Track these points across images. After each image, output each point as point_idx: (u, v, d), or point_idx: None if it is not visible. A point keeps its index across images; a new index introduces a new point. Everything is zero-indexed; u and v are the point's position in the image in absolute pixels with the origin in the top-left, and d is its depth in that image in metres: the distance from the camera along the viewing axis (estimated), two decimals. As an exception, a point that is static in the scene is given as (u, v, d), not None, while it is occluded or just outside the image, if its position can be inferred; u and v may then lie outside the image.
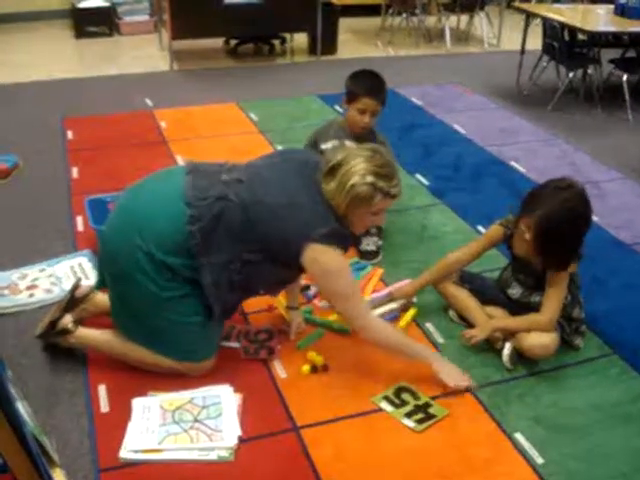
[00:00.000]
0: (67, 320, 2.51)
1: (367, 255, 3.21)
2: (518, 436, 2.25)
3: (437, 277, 2.79)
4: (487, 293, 2.76)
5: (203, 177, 2.34)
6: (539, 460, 2.16)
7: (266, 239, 2.26)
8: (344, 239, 2.31)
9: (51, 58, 6.49)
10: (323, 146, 3.24)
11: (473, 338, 2.57)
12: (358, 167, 2.24)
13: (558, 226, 2.37)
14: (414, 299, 2.87)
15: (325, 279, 2.32)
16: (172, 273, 2.26)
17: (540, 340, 2.47)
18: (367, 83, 3.20)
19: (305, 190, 2.29)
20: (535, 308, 2.55)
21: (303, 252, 2.23)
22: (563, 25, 5.30)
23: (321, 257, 2.25)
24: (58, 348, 2.55)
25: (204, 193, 2.27)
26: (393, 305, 2.81)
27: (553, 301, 2.48)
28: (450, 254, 2.79)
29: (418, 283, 2.81)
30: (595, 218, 3.59)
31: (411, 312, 2.81)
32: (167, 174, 2.47)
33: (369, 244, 3.23)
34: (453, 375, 2.42)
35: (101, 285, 2.54)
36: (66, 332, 2.48)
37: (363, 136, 3.16)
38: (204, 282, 2.28)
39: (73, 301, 2.57)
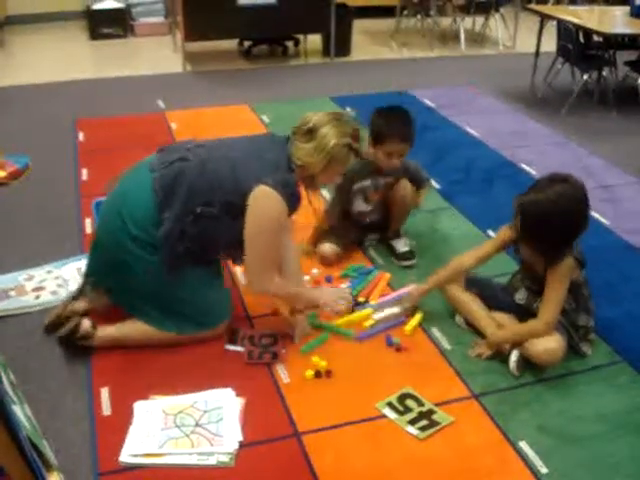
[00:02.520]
0: (86, 325, 2.53)
1: (404, 257, 3.18)
2: (523, 445, 2.22)
3: (445, 281, 2.76)
4: (494, 298, 2.73)
5: (169, 150, 2.54)
6: (543, 470, 2.13)
7: (220, 188, 2.38)
8: (293, 194, 2.42)
9: (65, 59, 6.53)
10: (357, 186, 3.14)
11: (482, 355, 2.56)
12: (336, 129, 2.40)
13: (542, 211, 2.36)
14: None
15: (255, 222, 2.38)
16: (154, 247, 2.41)
17: (547, 346, 2.44)
18: (398, 127, 2.98)
19: (270, 148, 2.46)
20: (537, 314, 2.51)
21: (250, 193, 2.35)
22: (577, 27, 5.25)
23: (263, 199, 2.36)
24: (62, 350, 2.56)
25: (168, 158, 2.47)
26: (397, 309, 2.78)
27: (549, 304, 2.45)
28: (458, 257, 2.76)
29: (427, 287, 2.79)
30: (607, 222, 3.58)
31: (417, 317, 2.79)
32: (141, 161, 2.60)
33: (402, 245, 3.21)
34: (326, 299, 2.62)
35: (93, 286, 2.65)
36: (88, 337, 2.53)
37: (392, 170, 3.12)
38: (160, 232, 2.39)
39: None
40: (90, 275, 2.65)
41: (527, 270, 2.61)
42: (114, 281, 2.54)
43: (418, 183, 3.23)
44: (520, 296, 2.64)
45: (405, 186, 3.14)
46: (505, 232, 2.65)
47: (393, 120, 3.00)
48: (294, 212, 2.52)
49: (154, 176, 2.43)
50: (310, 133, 2.42)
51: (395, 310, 2.79)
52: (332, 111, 2.53)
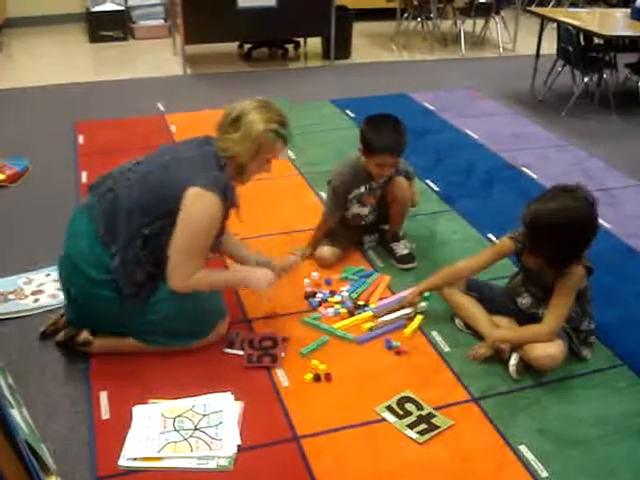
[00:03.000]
0: (85, 333, 2.52)
1: (404, 260, 3.18)
2: (523, 448, 2.21)
3: (441, 283, 2.76)
4: (494, 301, 2.72)
5: (98, 184, 2.48)
6: (543, 474, 2.12)
7: (156, 202, 2.32)
8: (226, 189, 2.36)
9: (65, 62, 6.53)
10: (352, 195, 3.14)
11: (477, 355, 2.55)
12: (261, 115, 2.39)
13: (553, 223, 2.32)
14: (423, 305, 2.83)
15: (187, 224, 2.31)
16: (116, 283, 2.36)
17: (547, 351, 2.43)
18: (389, 140, 2.92)
19: (198, 147, 2.43)
20: (541, 320, 2.50)
21: (183, 197, 2.29)
22: (578, 29, 5.25)
23: (195, 201, 2.30)
24: (61, 354, 2.55)
25: (97, 191, 2.43)
26: (398, 313, 2.78)
27: (556, 312, 2.44)
28: (458, 263, 2.75)
29: (422, 287, 2.79)
30: (608, 226, 3.57)
31: (417, 320, 2.78)
32: (77, 208, 2.57)
33: (401, 248, 3.20)
34: (255, 282, 2.54)
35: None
36: (88, 344, 2.52)
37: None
38: (113, 266, 2.34)
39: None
40: (70, 323, 2.59)
41: (531, 277, 2.59)
42: (95, 325, 2.52)
43: (405, 177, 3.23)
44: (523, 301, 2.62)
45: (401, 182, 3.13)
46: (505, 243, 2.64)
47: (384, 131, 2.93)
48: (233, 206, 2.50)
49: (90, 214, 2.40)
50: (236, 122, 2.40)
51: (396, 314, 2.78)
52: (257, 98, 2.48)
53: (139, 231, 2.33)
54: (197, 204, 2.30)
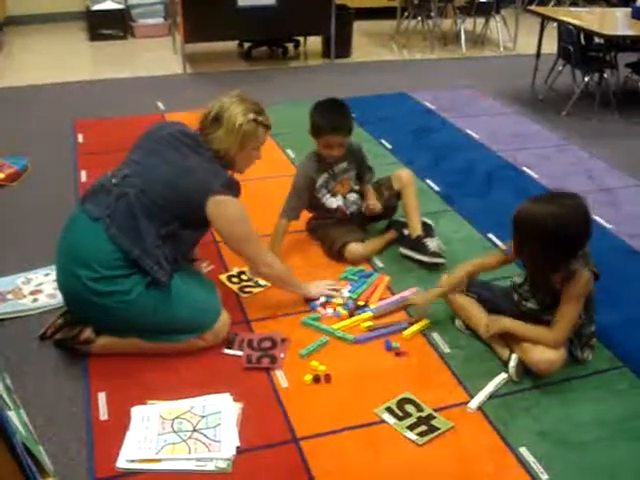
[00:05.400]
0: (88, 331, 2.51)
1: (435, 255, 3.15)
2: (523, 451, 2.20)
3: (467, 276, 2.70)
4: (496, 303, 2.70)
5: (95, 195, 2.50)
6: (544, 476, 2.10)
7: (172, 209, 2.42)
8: (236, 186, 2.54)
9: (65, 60, 6.52)
10: (318, 184, 3.18)
11: (486, 332, 2.56)
12: (238, 108, 2.54)
13: (531, 223, 2.32)
14: (429, 310, 2.81)
15: (231, 228, 2.55)
16: (116, 278, 2.37)
17: (546, 355, 2.41)
18: (329, 118, 3.06)
19: (191, 153, 2.49)
20: (545, 323, 2.48)
21: (206, 207, 2.44)
22: (578, 28, 5.23)
23: (223, 208, 2.48)
24: (60, 354, 2.54)
25: (105, 202, 2.43)
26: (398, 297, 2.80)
27: (564, 321, 2.41)
28: (473, 260, 2.75)
29: (453, 279, 2.71)
30: (609, 226, 3.56)
31: (420, 324, 2.76)
32: (70, 220, 2.59)
33: (434, 245, 3.18)
34: (317, 290, 2.86)
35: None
36: (89, 342, 2.51)
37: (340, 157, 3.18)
38: (149, 269, 2.38)
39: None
40: (70, 322, 2.58)
41: (540, 284, 2.54)
42: (98, 326, 2.53)
43: (362, 172, 3.29)
44: (528, 304, 2.58)
45: (401, 175, 3.29)
46: (502, 258, 2.67)
47: (326, 112, 3.08)
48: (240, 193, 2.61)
49: (103, 223, 2.39)
50: (217, 120, 2.53)
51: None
52: (232, 93, 2.62)
53: (158, 232, 2.41)
54: (225, 211, 2.49)
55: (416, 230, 3.19)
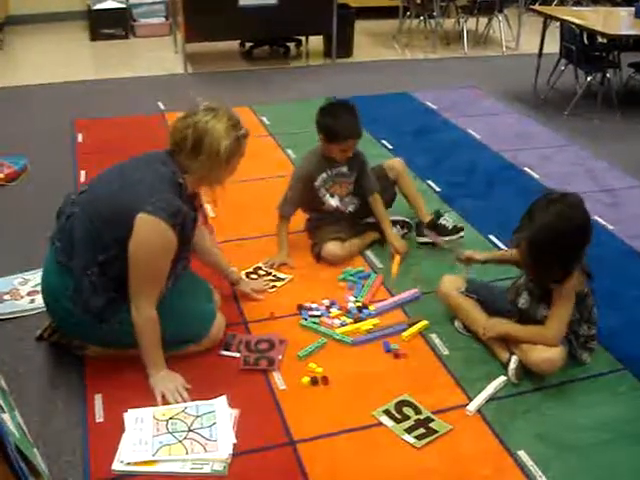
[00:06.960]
0: None
1: (454, 231, 3.24)
2: (521, 453, 2.18)
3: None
4: (494, 304, 2.68)
5: (60, 213, 2.44)
6: (542, 479, 2.08)
7: (108, 229, 2.25)
8: (176, 211, 2.24)
9: (66, 60, 6.51)
10: (317, 182, 3.15)
11: (484, 333, 2.56)
12: (218, 131, 2.30)
13: (543, 246, 2.32)
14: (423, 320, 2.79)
15: (138, 252, 2.22)
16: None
17: (546, 355, 2.40)
18: (345, 125, 3.02)
19: (146, 168, 2.32)
20: (541, 322, 2.48)
21: (134, 224, 2.20)
22: (581, 28, 5.21)
23: (144, 228, 2.20)
24: (56, 356, 2.53)
25: (59, 224, 2.41)
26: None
27: (558, 318, 2.41)
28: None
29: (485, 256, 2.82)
30: (610, 227, 3.54)
31: (419, 325, 2.74)
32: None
33: (449, 222, 3.27)
34: (162, 389, 2.35)
35: None
36: (84, 347, 2.51)
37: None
38: (68, 295, 2.32)
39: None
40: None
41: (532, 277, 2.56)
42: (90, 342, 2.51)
43: (362, 178, 3.25)
44: (522, 300, 2.58)
45: (394, 165, 3.36)
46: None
47: (340, 117, 3.03)
48: (195, 225, 2.47)
49: (55, 246, 2.38)
50: (197, 147, 2.30)
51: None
52: (203, 107, 2.35)
53: (94, 259, 2.28)
54: (145, 231, 2.21)
55: (425, 215, 3.29)
